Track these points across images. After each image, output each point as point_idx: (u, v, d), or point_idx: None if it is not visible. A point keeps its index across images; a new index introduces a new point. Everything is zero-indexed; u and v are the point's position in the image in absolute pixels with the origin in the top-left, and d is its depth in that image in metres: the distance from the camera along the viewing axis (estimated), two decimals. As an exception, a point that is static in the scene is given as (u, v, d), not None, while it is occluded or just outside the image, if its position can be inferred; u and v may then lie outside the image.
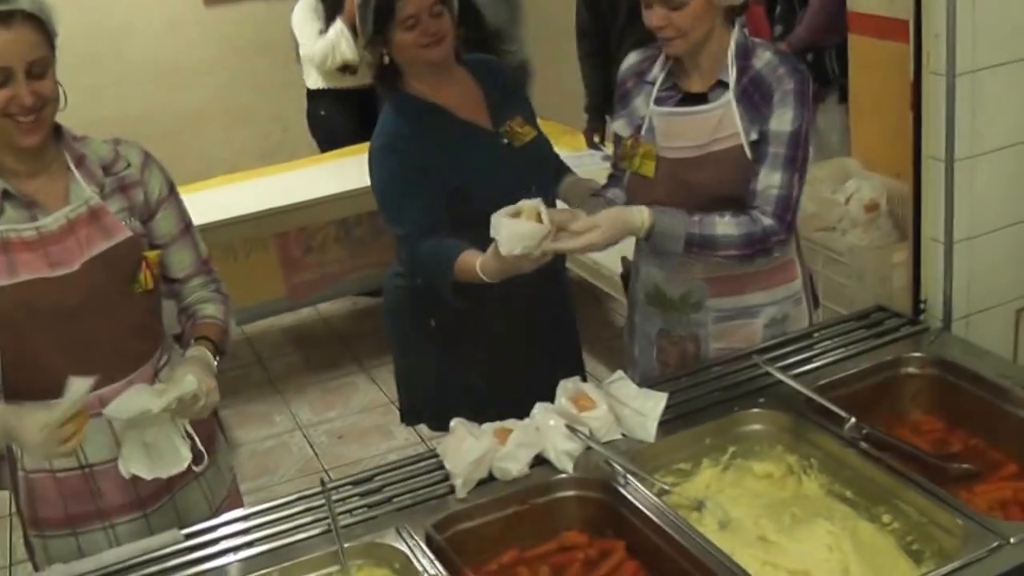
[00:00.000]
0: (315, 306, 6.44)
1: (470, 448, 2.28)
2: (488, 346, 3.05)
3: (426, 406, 3.30)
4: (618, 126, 2.82)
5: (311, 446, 5.16)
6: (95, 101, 6.59)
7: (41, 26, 2.22)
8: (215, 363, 2.41)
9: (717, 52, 2.61)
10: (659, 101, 2.69)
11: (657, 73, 2.70)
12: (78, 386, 2.15)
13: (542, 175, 3.01)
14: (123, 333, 2.41)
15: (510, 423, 2.37)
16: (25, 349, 2.30)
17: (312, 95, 6.41)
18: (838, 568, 2.05)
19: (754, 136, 2.59)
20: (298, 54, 6.32)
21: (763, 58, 2.62)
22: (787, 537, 2.13)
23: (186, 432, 2.27)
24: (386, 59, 2.89)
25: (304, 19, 6.10)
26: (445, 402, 2.93)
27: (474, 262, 2.59)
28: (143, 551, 2.24)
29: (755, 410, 2.43)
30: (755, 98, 2.59)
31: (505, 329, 3.03)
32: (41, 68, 2.22)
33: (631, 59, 2.82)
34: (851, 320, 2.77)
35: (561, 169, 3.15)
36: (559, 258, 3.04)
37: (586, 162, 5.02)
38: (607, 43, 5.33)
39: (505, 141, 2.93)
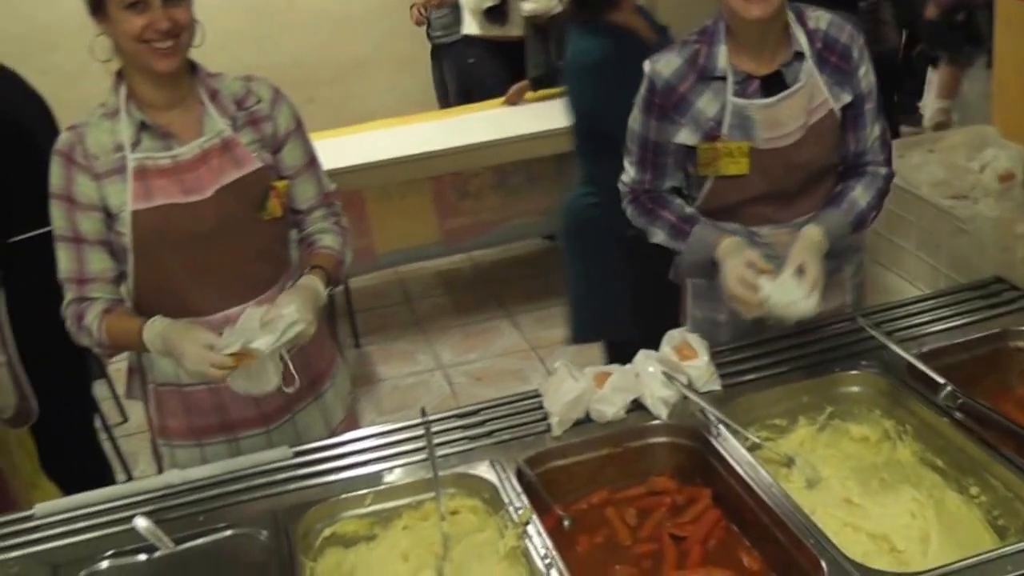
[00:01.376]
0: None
1: (568, 389, 2.35)
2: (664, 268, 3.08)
3: (600, 325, 3.34)
4: (683, 136, 2.63)
5: (450, 385, 5.31)
6: (266, 49, 6.82)
7: None
8: (324, 292, 2.51)
9: (781, 23, 2.55)
10: (739, 94, 2.57)
11: (724, 66, 2.55)
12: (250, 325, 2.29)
13: None
14: (250, 258, 2.54)
15: (611, 368, 2.43)
16: (157, 271, 2.45)
17: (465, 41, 6.58)
18: (918, 536, 2.05)
19: (846, 99, 2.56)
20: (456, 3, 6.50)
21: (822, 18, 2.58)
22: (872, 501, 2.15)
23: (281, 357, 2.35)
24: None
25: None
26: (619, 321, 2.93)
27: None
28: (254, 464, 2.39)
29: (855, 372, 2.43)
30: (833, 60, 2.56)
31: None
32: None
33: (671, 63, 2.62)
34: (966, 290, 2.73)
35: None
36: None
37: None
38: None
39: None
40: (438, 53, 7.01)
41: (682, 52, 2.62)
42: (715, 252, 2.57)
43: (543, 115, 5.78)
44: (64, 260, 2.46)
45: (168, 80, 2.42)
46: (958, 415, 2.21)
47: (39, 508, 2.35)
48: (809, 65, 2.55)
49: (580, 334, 3.53)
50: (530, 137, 5.65)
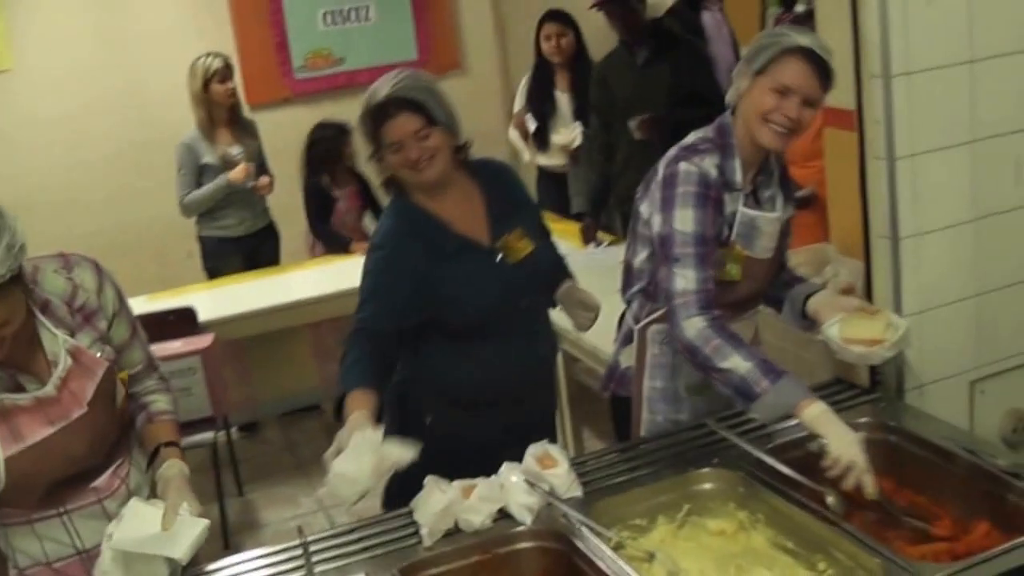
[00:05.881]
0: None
1: (437, 500, 2.45)
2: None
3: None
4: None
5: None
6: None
7: None
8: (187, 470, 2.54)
9: None
10: (747, 205, 2.77)
11: (740, 179, 2.73)
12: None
13: (535, 289, 2.99)
14: (107, 448, 2.53)
15: (477, 480, 2.54)
16: (20, 485, 2.38)
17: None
18: (772, 613, 2.18)
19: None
20: None
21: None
22: (730, 586, 2.27)
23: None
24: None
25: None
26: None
27: (354, 411, 2.73)
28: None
29: (707, 469, 2.57)
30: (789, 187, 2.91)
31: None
32: None
33: (710, 163, 2.70)
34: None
35: (560, 276, 3.14)
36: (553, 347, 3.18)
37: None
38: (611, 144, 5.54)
39: (500, 257, 2.88)
40: None
41: (710, 156, 2.72)
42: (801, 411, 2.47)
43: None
44: None
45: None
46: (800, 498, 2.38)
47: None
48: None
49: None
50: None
